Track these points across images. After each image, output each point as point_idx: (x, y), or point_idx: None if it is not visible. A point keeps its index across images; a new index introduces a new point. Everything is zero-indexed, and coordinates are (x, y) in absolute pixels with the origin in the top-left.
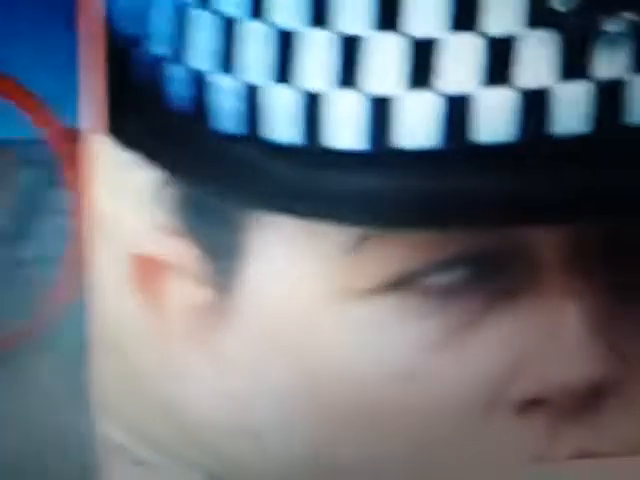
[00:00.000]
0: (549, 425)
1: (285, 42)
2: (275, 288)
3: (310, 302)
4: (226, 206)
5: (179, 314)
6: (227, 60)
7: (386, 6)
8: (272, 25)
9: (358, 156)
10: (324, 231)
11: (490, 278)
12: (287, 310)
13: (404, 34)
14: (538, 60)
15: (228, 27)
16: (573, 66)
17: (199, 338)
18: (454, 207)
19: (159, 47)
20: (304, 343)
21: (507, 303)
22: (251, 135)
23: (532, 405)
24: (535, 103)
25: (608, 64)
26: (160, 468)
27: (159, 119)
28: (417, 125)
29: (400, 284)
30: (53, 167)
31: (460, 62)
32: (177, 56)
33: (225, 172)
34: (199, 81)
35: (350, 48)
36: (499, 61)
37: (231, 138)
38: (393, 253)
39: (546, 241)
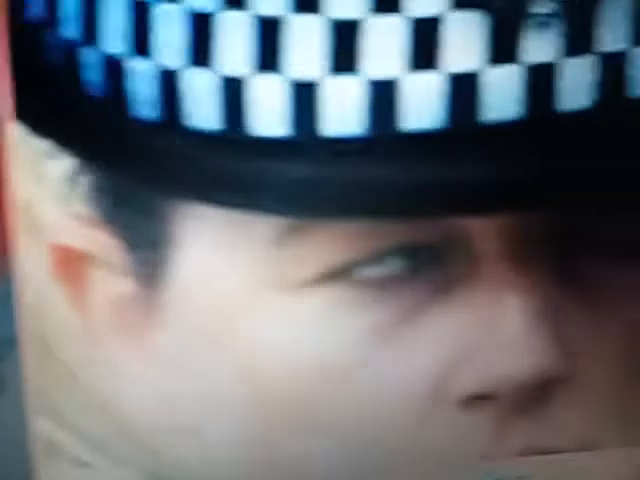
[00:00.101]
0: (497, 421)
1: (200, 24)
2: (204, 281)
3: (242, 295)
4: (147, 195)
5: (104, 307)
6: (141, 43)
7: None
8: (185, 6)
9: (282, 144)
10: (252, 221)
11: (427, 270)
12: (218, 304)
13: (325, 16)
14: (465, 43)
15: (140, 8)
16: (502, 49)
17: (128, 333)
18: (382, 197)
19: (70, 30)
20: (239, 337)
21: (445, 296)
22: (170, 122)
23: (478, 400)
24: (464, 88)
25: (538, 47)
26: (101, 469)
27: (73, 105)
28: (342, 112)
29: (334, 276)
30: None
31: (384, 46)
32: (89, 40)
33: (144, 160)
34: (113, 65)
35: (270, 31)
36: (424, 44)
37: (149, 125)
38: (326, 244)
39: (484, 232)
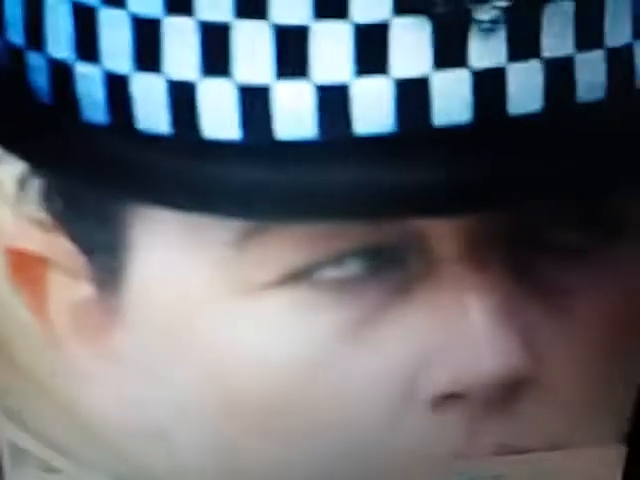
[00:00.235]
0: (468, 420)
1: (145, 29)
2: (164, 284)
3: (203, 297)
4: (99, 199)
5: (64, 312)
6: (87, 48)
7: None
8: (129, 11)
9: (235, 147)
10: (209, 224)
11: (387, 271)
12: (179, 306)
13: (270, 22)
14: (412, 48)
15: (85, 12)
16: (448, 55)
17: (90, 337)
18: (336, 199)
19: (15, 35)
20: (201, 340)
21: (406, 296)
22: (121, 126)
23: (448, 400)
24: (412, 92)
25: (484, 53)
26: (71, 475)
27: (20, 109)
28: (293, 115)
29: (294, 278)
30: None
31: (331, 51)
32: (35, 45)
33: (96, 165)
34: (60, 70)
35: (215, 36)
36: (371, 49)
37: (100, 129)
38: (285, 246)
39: (442, 233)
